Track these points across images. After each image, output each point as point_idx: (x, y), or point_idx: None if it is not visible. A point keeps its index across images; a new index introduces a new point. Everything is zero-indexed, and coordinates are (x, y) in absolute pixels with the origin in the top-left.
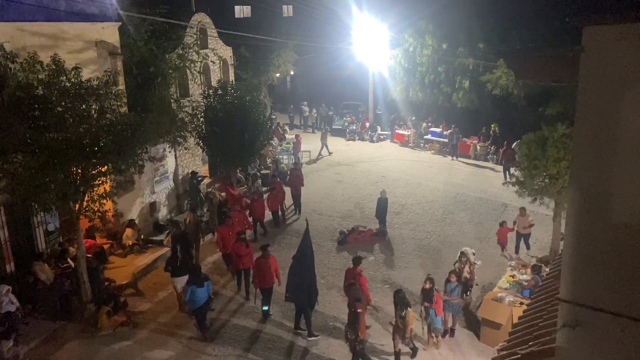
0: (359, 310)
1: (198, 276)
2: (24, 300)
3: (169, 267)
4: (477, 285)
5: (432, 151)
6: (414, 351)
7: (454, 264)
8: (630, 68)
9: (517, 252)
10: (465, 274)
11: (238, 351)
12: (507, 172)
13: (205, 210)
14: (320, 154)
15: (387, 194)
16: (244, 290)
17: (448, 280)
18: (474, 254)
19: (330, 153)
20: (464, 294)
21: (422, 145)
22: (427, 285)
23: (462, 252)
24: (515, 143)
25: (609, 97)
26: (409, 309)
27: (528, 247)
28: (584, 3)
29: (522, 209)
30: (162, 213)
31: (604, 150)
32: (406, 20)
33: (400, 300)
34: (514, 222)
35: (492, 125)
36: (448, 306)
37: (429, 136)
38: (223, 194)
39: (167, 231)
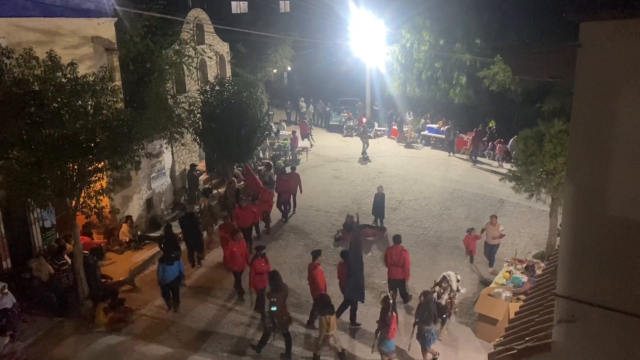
0: (273, 300)
1: (169, 256)
2: (20, 296)
3: (161, 244)
4: (455, 312)
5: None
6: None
7: (433, 287)
8: (627, 64)
9: (491, 265)
10: (444, 301)
11: None
12: (474, 156)
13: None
14: (365, 153)
15: (384, 189)
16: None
17: (420, 303)
18: (458, 281)
19: (363, 153)
20: (441, 324)
21: (419, 141)
22: (381, 305)
23: (443, 277)
24: (512, 139)
25: (606, 92)
26: (328, 315)
27: (492, 264)
28: None
29: (493, 217)
30: (159, 209)
31: (601, 146)
32: (403, 15)
33: (322, 304)
34: (482, 230)
35: (491, 123)
36: (419, 334)
37: (426, 132)
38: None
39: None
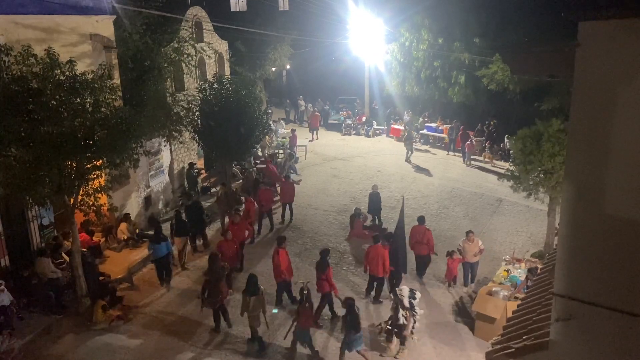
0: (206, 279)
1: (158, 236)
2: (18, 294)
3: (173, 228)
4: (415, 339)
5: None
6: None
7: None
8: (626, 63)
9: (466, 284)
10: (401, 318)
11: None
12: (464, 155)
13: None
14: (409, 160)
15: (382, 188)
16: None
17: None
18: (414, 299)
19: (408, 160)
20: (398, 341)
21: (418, 140)
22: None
23: (394, 292)
24: (506, 138)
25: (605, 92)
26: (248, 296)
27: (472, 280)
28: None
29: (470, 233)
30: (157, 207)
31: (599, 145)
32: (402, 14)
33: (249, 286)
34: (459, 251)
35: (493, 122)
36: (343, 341)
37: (424, 131)
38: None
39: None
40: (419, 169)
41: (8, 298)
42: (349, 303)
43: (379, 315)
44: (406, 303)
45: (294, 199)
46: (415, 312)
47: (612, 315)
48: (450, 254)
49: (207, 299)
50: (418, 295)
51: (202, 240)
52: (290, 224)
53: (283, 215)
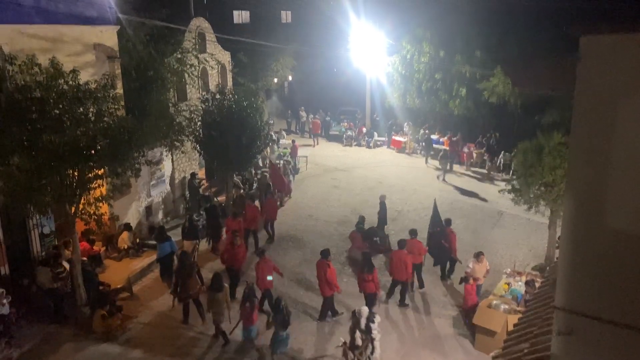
0: (179, 276)
1: (162, 235)
2: (18, 302)
3: (184, 232)
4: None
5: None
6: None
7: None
8: (626, 77)
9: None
10: (357, 339)
11: None
12: (451, 164)
13: (201, 213)
14: (443, 178)
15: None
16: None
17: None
18: (373, 322)
19: (443, 179)
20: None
21: (419, 152)
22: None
23: (353, 311)
24: (502, 153)
25: (605, 106)
26: (213, 293)
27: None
28: (581, 12)
29: (481, 255)
30: (158, 217)
31: (600, 158)
32: (403, 27)
33: (214, 283)
34: (468, 273)
35: (496, 134)
36: (272, 338)
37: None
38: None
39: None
40: (419, 180)
41: (7, 307)
42: (277, 303)
43: (403, 318)
44: (362, 325)
45: (275, 218)
46: (373, 337)
47: (613, 330)
48: (465, 280)
49: (178, 294)
50: (377, 319)
51: (210, 244)
52: (288, 231)
53: (268, 232)
